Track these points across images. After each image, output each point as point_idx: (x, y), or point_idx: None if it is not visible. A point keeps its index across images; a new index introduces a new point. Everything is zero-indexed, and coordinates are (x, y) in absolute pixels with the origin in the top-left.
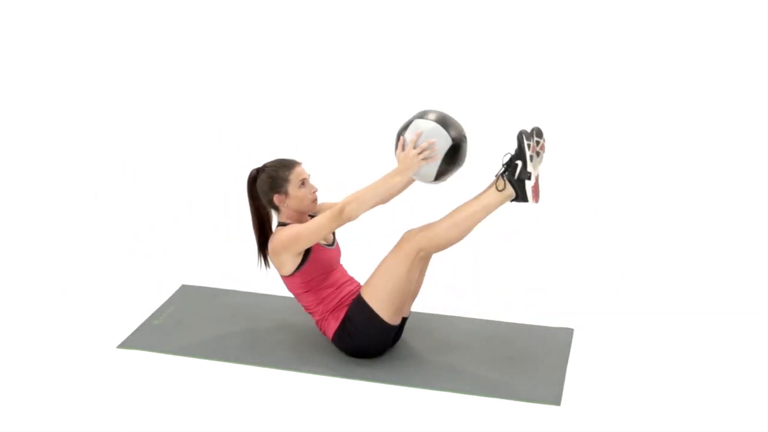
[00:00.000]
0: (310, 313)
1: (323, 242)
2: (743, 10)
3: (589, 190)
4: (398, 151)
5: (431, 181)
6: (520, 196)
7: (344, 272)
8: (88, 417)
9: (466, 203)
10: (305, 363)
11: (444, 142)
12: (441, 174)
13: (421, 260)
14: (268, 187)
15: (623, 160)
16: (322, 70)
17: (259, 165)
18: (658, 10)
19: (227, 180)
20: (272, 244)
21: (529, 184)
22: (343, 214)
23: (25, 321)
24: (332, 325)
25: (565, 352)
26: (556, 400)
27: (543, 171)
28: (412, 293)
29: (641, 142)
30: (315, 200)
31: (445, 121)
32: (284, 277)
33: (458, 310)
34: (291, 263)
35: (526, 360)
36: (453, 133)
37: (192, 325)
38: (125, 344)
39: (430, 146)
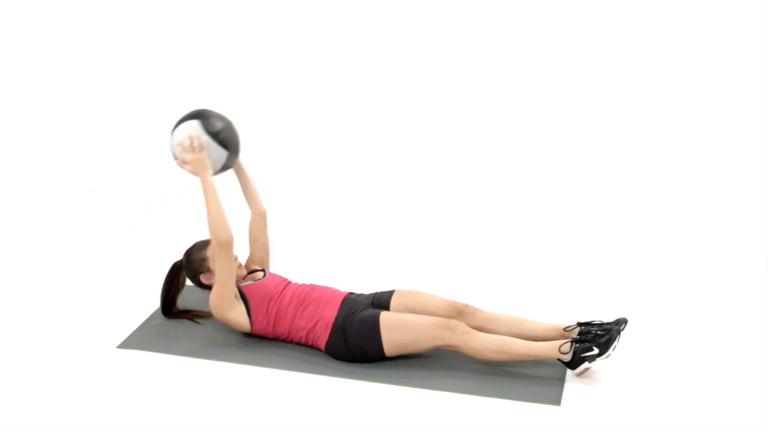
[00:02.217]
0: (296, 339)
1: (250, 282)
2: (743, 9)
3: (592, 187)
4: (187, 167)
5: (230, 161)
6: (569, 366)
7: (305, 287)
8: (88, 417)
9: (524, 343)
10: (305, 363)
11: (198, 129)
12: (226, 161)
13: (443, 345)
14: (192, 273)
15: (627, 156)
16: (320, 69)
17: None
18: (657, 9)
19: (226, 179)
20: (215, 313)
21: (584, 365)
22: (221, 244)
23: (25, 321)
24: (322, 334)
25: None
26: (556, 400)
27: (542, 157)
28: None
29: (642, 140)
30: (240, 266)
31: (187, 117)
32: (254, 332)
33: None
34: (242, 317)
35: (525, 360)
36: (198, 120)
37: (192, 325)
38: (125, 344)
39: (192, 140)
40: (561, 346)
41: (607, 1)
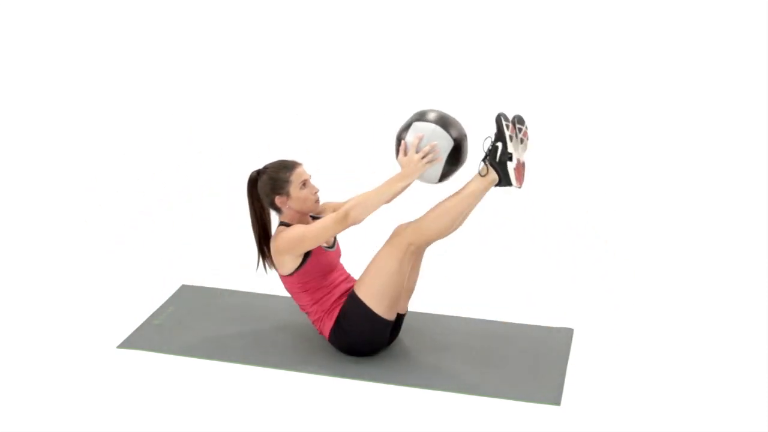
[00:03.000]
0: (305, 312)
1: (324, 245)
2: (740, 9)
3: (590, 186)
4: (400, 155)
5: (435, 182)
6: (503, 180)
7: (342, 271)
8: (88, 417)
9: (453, 194)
10: (305, 363)
11: (446, 144)
12: (445, 175)
13: (413, 254)
14: (269, 189)
15: (625, 157)
16: (321, 68)
17: (260, 166)
18: (655, 8)
19: (227, 179)
20: (275, 243)
21: (511, 166)
22: (348, 219)
23: (25, 321)
24: (328, 325)
25: (564, 352)
26: (556, 400)
27: (539, 160)
28: (408, 289)
29: (642, 139)
30: (317, 201)
31: (445, 122)
32: (282, 277)
33: (457, 310)
34: (291, 263)
35: (525, 360)
36: (454, 133)
37: (192, 325)
38: (125, 344)
39: (432, 149)
40: (479, 171)
41: (609, 1)
